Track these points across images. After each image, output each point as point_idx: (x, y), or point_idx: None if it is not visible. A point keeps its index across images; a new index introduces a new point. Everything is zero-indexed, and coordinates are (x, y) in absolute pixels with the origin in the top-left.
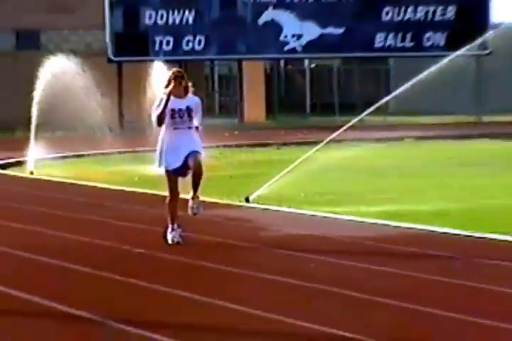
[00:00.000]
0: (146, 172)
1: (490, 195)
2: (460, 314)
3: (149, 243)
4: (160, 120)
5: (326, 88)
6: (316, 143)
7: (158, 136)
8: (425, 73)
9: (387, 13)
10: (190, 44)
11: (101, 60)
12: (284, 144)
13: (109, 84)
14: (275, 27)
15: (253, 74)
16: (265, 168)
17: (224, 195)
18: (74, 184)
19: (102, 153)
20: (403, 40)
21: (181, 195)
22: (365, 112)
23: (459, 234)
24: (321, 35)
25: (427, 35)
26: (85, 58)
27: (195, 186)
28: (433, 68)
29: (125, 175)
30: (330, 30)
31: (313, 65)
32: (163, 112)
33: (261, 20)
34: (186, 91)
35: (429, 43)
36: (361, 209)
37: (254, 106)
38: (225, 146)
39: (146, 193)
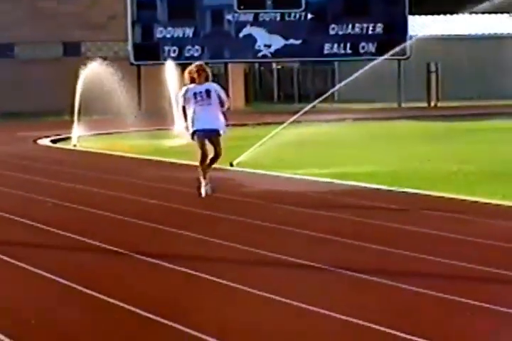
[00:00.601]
0: (160, 145)
1: (410, 160)
2: (385, 246)
3: (159, 195)
4: (184, 111)
5: (288, 83)
6: (281, 123)
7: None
8: (360, 72)
9: (333, 29)
10: (190, 52)
11: (125, 63)
12: (258, 124)
13: (130, 81)
14: (251, 39)
15: (236, 73)
16: (244, 141)
17: None
18: (105, 154)
19: (126, 132)
20: (344, 48)
21: None
22: (317, 101)
23: (388, 190)
24: (285, 45)
25: (362, 44)
26: (113, 62)
27: (212, 161)
28: (366, 68)
29: (144, 148)
30: (291, 41)
31: (279, 67)
32: (184, 107)
33: (241, 34)
34: (206, 80)
35: (363, 50)
36: (315, 171)
37: (236, 96)
38: None
39: (161, 161)
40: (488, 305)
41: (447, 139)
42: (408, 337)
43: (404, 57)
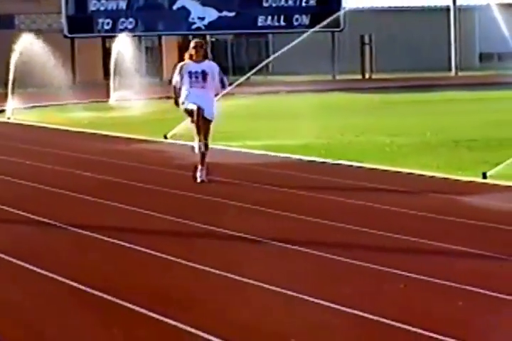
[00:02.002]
0: (94, 118)
1: (344, 132)
2: (318, 218)
3: (93, 167)
4: (175, 89)
5: (222, 56)
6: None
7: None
8: (292, 44)
9: (266, 1)
10: (124, 24)
11: (59, 36)
12: None
13: (64, 53)
14: (185, 11)
15: (169, 46)
16: (178, 113)
17: (147, 133)
18: (40, 126)
19: (61, 104)
20: (278, 20)
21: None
22: (250, 73)
23: (320, 161)
24: (219, 17)
25: (296, 16)
26: (47, 35)
27: (204, 136)
28: (298, 40)
29: (79, 120)
30: (225, 13)
31: (213, 39)
32: (176, 94)
33: (175, 7)
34: (205, 57)
35: (297, 23)
36: (249, 143)
37: (170, 68)
38: (150, 98)
39: (95, 133)
40: (421, 277)
41: (381, 111)
42: (338, 307)
43: (338, 29)
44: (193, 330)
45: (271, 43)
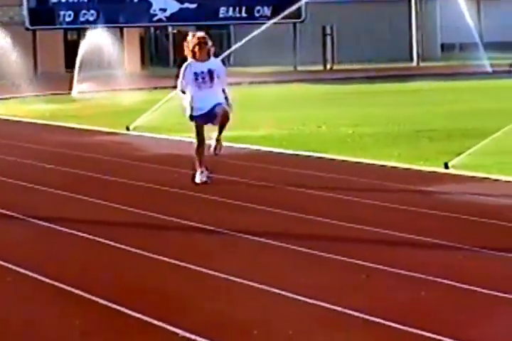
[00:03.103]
0: (56, 110)
1: (306, 123)
2: (279, 209)
3: (57, 159)
4: (182, 91)
5: (183, 48)
6: (176, 87)
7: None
8: (253, 34)
9: None
10: (86, 16)
11: (21, 28)
12: (155, 88)
13: (26, 45)
14: (147, 3)
15: (131, 38)
16: (141, 105)
17: (110, 125)
18: (2, 119)
19: (23, 97)
20: (240, 12)
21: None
22: None
23: (282, 152)
24: (180, 9)
25: (257, 8)
26: (9, 27)
27: (221, 128)
28: (259, 31)
29: (39, 112)
30: (186, 5)
31: (175, 31)
32: (182, 85)
33: None
34: (209, 55)
35: (258, 14)
36: (211, 134)
37: (132, 60)
38: (113, 90)
39: (58, 126)
40: (384, 267)
41: (342, 102)
42: (301, 298)
43: (299, 20)
44: (155, 322)
45: (233, 35)
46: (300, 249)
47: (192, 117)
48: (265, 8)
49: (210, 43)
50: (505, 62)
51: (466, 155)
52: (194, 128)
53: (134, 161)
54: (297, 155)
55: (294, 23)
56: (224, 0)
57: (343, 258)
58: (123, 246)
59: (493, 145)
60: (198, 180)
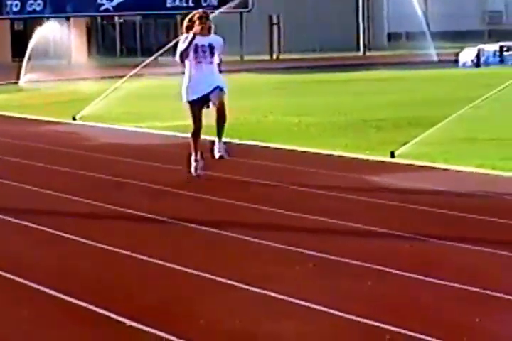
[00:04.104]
0: (2, 100)
1: (253, 112)
2: (225, 198)
3: (5, 150)
4: (182, 56)
5: (131, 37)
6: (124, 76)
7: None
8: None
9: None
10: (32, 6)
11: None
12: (102, 78)
13: None
14: None
15: (78, 28)
16: (87, 95)
17: (56, 114)
18: None
19: None
20: (187, 1)
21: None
22: (157, 53)
23: (229, 142)
24: None
25: None
26: None
27: (220, 130)
28: None
29: None
30: None
31: (121, 20)
32: (186, 49)
33: None
34: (209, 31)
35: (205, 3)
36: (158, 124)
37: (79, 50)
38: (60, 80)
39: (4, 115)
40: (330, 256)
41: (289, 92)
42: (246, 286)
43: (246, 9)
44: (101, 311)
45: (179, 24)
46: (245, 237)
47: (189, 102)
48: None
49: (211, 20)
50: (451, 51)
51: (412, 145)
52: (189, 112)
53: (78, 150)
54: (242, 144)
55: (241, 13)
56: None
57: (288, 247)
58: (62, 234)
59: (438, 135)
60: (193, 171)
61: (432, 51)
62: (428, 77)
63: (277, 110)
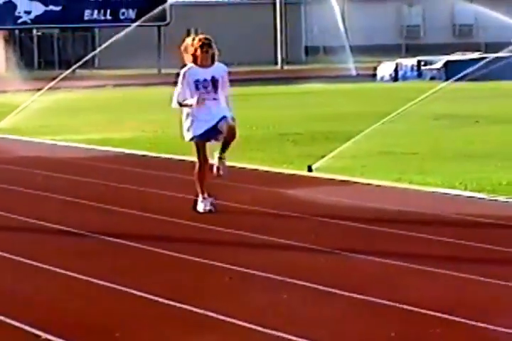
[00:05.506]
0: None
1: (169, 126)
2: (140, 211)
3: None
4: (180, 104)
5: (48, 50)
6: (41, 89)
7: None
8: (115, 38)
9: None
10: None
11: None
12: (20, 90)
13: None
14: (11, 5)
15: None
16: (4, 108)
17: None
18: None
19: None
20: (104, 14)
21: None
22: (74, 66)
23: (145, 155)
24: (45, 11)
25: (122, 10)
26: None
27: (225, 145)
28: (121, 34)
29: None
30: (51, 7)
31: (39, 33)
32: (182, 104)
33: (1, 0)
34: (213, 60)
35: (123, 17)
36: (74, 137)
37: None
38: None
39: None
40: (246, 270)
41: None
42: (161, 299)
43: (163, 23)
44: (17, 324)
45: (97, 37)
46: (162, 251)
47: (192, 139)
48: (130, 10)
49: (214, 46)
50: (369, 65)
51: (329, 158)
52: (194, 148)
53: None
54: (159, 157)
55: (159, 26)
56: (89, 2)
57: (204, 261)
58: None
59: (355, 148)
60: (200, 208)
61: (350, 65)
62: (346, 91)
63: None
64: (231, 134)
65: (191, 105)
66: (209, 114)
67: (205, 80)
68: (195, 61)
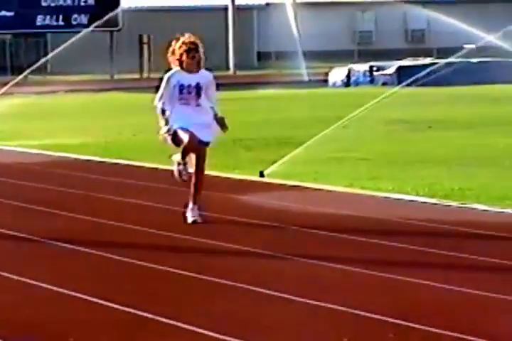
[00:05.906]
0: None
1: (122, 131)
2: (95, 217)
3: None
4: (164, 104)
5: (1, 55)
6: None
7: None
8: (67, 43)
9: (45, 1)
10: None
11: None
12: None
13: None
14: None
15: None
16: None
17: None
18: None
19: None
20: (57, 20)
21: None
22: (26, 72)
23: (100, 161)
24: None
25: (74, 16)
26: None
27: (196, 191)
28: (73, 40)
29: None
30: (3, 12)
31: None
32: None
33: None
34: (199, 66)
35: (76, 22)
36: (26, 142)
37: None
38: None
39: None
40: (195, 275)
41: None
42: (117, 306)
43: (116, 28)
44: None
45: (50, 43)
46: (117, 257)
47: (175, 132)
48: (82, 16)
49: (201, 51)
50: (322, 70)
51: (281, 164)
52: (181, 136)
53: None
54: (115, 163)
55: (111, 32)
56: (41, 8)
57: (156, 266)
58: None
59: (307, 154)
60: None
61: (302, 71)
62: (298, 96)
63: (146, 129)
64: (201, 169)
65: (166, 122)
66: (195, 117)
67: (189, 86)
68: (181, 65)
